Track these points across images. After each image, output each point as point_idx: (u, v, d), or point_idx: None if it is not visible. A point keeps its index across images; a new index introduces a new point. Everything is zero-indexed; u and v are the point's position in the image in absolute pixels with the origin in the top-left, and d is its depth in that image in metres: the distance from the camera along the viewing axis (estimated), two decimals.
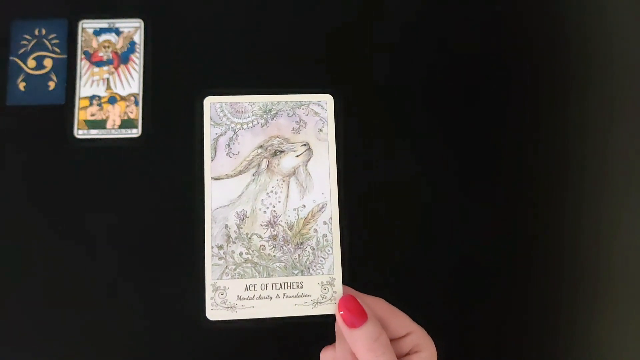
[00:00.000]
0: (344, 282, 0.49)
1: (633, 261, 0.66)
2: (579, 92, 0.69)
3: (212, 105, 0.50)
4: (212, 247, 0.48)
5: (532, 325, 0.64)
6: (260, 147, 0.50)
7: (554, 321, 0.64)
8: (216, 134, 0.50)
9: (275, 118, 0.50)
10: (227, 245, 0.48)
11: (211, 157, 0.49)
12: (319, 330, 0.50)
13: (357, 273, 0.53)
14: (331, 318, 0.48)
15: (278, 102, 0.50)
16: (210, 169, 0.49)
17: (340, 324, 0.47)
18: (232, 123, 0.50)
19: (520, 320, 0.64)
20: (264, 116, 0.50)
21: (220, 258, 0.48)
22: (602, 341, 0.64)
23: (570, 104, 0.69)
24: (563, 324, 0.64)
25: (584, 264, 0.65)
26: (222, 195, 0.49)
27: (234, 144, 0.49)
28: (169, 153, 0.66)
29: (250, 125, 0.50)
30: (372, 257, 0.64)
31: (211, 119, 0.50)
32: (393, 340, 0.48)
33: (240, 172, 0.49)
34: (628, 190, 0.67)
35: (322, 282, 0.49)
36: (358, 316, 0.46)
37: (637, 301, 0.65)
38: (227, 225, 0.49)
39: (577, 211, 0.66)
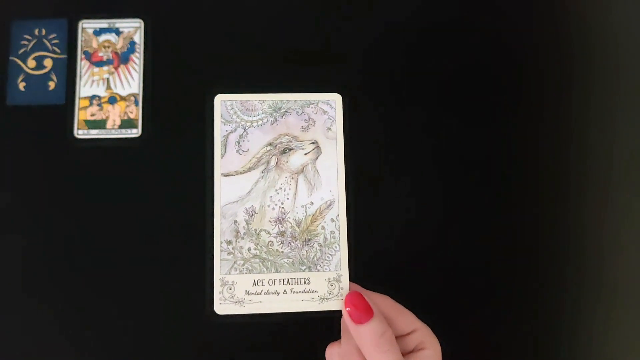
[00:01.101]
0: (351, 279, 0.50)
1: (635, 262, 0.66)
2: (579, 93, 0.70)
3: (223, 102, 0.50)
4: (221, 243, 0.49)
5: (535, 324, 0.64)
6: (270, 144, 0.50)
7: (558, 320, 0.64)
8: (226, 131, 0.50)
9: (284, 116, 0.51)
10: (236, 241, 0.49)
11: (221, 154, 0.50)
12: (325, 325, 0.51)
13: (363, 270, 0.53)
14: (337, 314, 0.49)
15: (287, 100, 0.51)
16: (220, 165, 0.50)
17: (346, 320, 0.47)
18: (242, 121, 0.50)
19: (524, 319, 0.64)
20: (274, 114, 0.51)
21: (229, 253, 0.49)
22: (604, 340, 0.65)
23: (571, 105, 0.70)
24: (567, 323, 0.64)
25: (587, 264, 0.66)
26: (231, 192, 0.49)
27: (243, 141, 0.50)
28: (170, 153, 0.66)
29: (260, 123, 0.50)
30: (378, 255, 0.64)
31: (222, 116, 0.50)
32: (398, 338, 0.49)
33: (250, 169, 0.50)
34: (628, 191, 0.68)
35: (329, 279, 0.49)
36: (364, 312, 0.46)
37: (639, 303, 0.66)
38: (236, 221, 0.49)
39: (580, 211, 0.67)
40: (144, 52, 0.69)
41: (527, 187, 0.67)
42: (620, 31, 0.72)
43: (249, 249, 0.49)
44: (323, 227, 0.50)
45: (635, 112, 0.70)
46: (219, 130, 0.50)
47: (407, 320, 0.49)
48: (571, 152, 0.68)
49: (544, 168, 0.68)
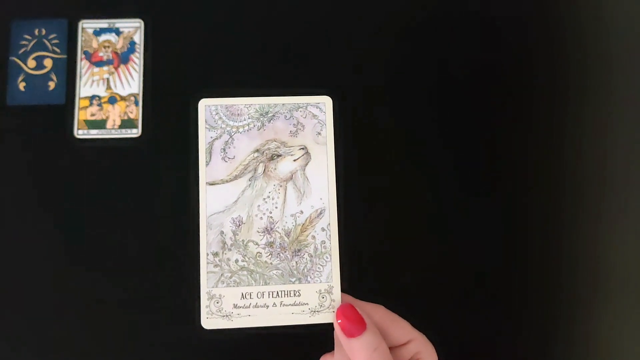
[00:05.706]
0: (343, 290, 0.48)
1: (633, 263, 0.65)
2: (577, 95, 0.69)
3: (207, 107, 0.49)
4: (208, 255, 0.48)
5: (532, 332, 0.63)
6: (257, 151, 0.49)
7: (555, 328, 0.64)
8: (211, 137, 0.49)
9: (272, 121, 0.49)
10: (223, 253, 0.48)
11: (206, 162, 0.48)
12: (317, 339, 0.49)
13: (356, 281, 0.53)
14: (329, 327, 0.48)
15: (275, 104, 0.50)
16: (205, 173, 0.48)
17: (338, 333, 0.46)
18: (228, 126, 0.49)
19: (521, 328, 0.64)
20: (261, 119, 0.49)
21: (215, 265, 0.47)
22: (602, 343, 0.64)
23: (569, 106, 0.69)
24: (564, 330, 0.64)
25: (584, 269, 0.65)
26: (217, 201, 0.48)
27: (229, 148, 0.49)
28: (170, 153, 0.66)
29: (246, 128, 0.49)
30: (371, 264, 0.63)
31: (206, 121, 0.49)
32: (394, 348, 0.48)
33: (236, 177, 0.48)
34: (627, 192, 0.67)
35: (320, 290, 0.48)
36: (357, 325, 0.45)
37: (637, 303, 0.65)
38: (222, 232, 0.48)
39: (578, 214, 0.66)
40: (144, 52, 0.69)
41: (522, 195, 0.67)
42: (620, 31, 0.71)
43: (237, 261, 0.48)
44: (313, 237, 0.48)
45: (634, 111, 0.69)
46: (204, 136, 0.48)
47: (402, 330, 0.48)
48: (567, 152, 0.67)
49: (540, 172, 0.67)
